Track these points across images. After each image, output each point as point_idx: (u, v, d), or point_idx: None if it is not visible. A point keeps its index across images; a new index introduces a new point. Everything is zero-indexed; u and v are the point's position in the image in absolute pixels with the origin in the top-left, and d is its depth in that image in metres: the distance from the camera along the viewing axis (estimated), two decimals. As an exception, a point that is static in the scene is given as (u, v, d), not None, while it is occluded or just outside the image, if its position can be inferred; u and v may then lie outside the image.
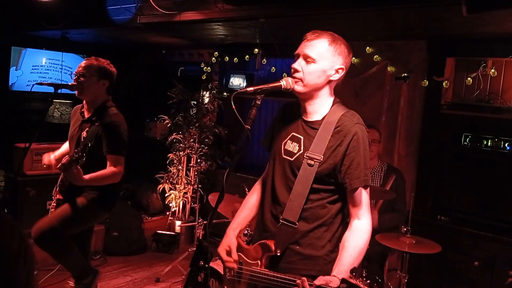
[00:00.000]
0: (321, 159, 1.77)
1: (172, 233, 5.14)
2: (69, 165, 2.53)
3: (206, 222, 4.08)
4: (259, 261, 1.89)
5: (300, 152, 1.83)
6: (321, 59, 1.78)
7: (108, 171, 2.73)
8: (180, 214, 5.34)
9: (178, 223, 5.26)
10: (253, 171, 5.23)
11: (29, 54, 5.80)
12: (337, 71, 1.81)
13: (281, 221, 1.83)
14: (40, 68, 5.94)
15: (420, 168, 4.01)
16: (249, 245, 1.98)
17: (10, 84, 5.70)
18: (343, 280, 1.48)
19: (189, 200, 5.27)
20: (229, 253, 1.95)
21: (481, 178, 3.77)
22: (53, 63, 6.04)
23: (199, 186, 4.91)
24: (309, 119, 1.87)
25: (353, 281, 1.45)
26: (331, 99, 1.88)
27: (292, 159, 1.85)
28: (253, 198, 2.10)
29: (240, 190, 3.91)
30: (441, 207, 3.91)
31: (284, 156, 1.88)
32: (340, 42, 1.82)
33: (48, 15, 4.47)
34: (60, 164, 2.60)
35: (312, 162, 1.77)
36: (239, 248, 1.98)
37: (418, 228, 3.62)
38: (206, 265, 1.72)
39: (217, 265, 3.13)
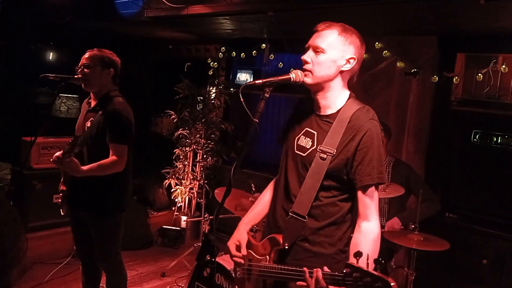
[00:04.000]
0: (334, 153, 1.72)
1: (178, 228, 5.14)
2: (63, 158, 2.53)
3: (212, 217, 4.08)
4: (267, 256, 1.87)
5: (313, 147, 1.79)
6: (331, 49, 1.74)
7: (108, 160, 2.69)
8: (186, 210, 5.34)
9: (183, 218, 5.26)
10: (260, 167, 5.22)
11: (36, 49, 5.80)
12: (348, 61, 1.77)
13: (290, 214, 1.80)
14: (46, 63, 5.94)
15: (429, 165, 3.97)
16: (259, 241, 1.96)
17: (16, 78, 5.70)
18: (347, 264, 1.45)
19: (195, 195, 5.26)
20: (238, 248, 1.93)
21: (490, 175, 3.72)
22: (60, 57, 6.04)
23: (205, 181, 4.90)
24: (323, 113, 1.82)
25: (357, 264, 1.42)
26: (346, 93, 1.83)
27: (304, 155, 1.81)
28: (267, 194, 2.07)
29: (246, 186, 3.89)
30: (450, 204, 3.87)
31: (297, 152, 1.84)
32: (351, 32, 1.78)
33: (55, 9, 4.47)
34: (54, 157, 2.59)
35: (325, 156, 1.73)
36: (249, 245, 1.95)
37: (426, 225, 3.58)
38: (213, 260, 1.69)
39: (223, 260, 3.12)
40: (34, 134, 2.74)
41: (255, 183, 3.81)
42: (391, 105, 4.08)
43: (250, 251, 1.94)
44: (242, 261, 1.92)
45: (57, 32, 5.65)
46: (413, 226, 3.09)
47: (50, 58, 5.96)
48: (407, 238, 3.01)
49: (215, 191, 3.65)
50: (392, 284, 1.32)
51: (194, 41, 5.72)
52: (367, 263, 1.41)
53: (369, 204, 1.73)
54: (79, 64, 2.82)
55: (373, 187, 1.72)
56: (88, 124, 2.83)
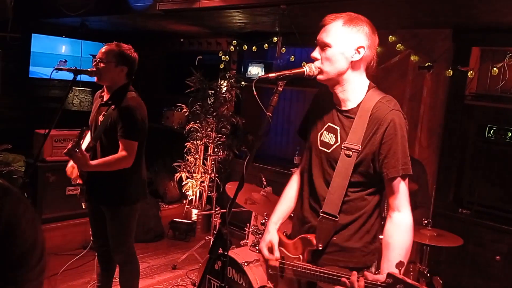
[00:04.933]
0: (359, 149, 1.71)
1: (189, 221, 5.17)
2: (72, 150, 2.57)
3: (223, 210, 4.09)
4: (300, 256, 1.86)
5: (337, 143, 1.77)
6: (337, 42, 1.71)
7: (117, 156, 2.72)
8: (196, 203, 5.36)
9: (194, 211, 5.28)
10: (271, 161, 5.21)
11: (49, 41, 5.84)
12: (357, 51, 1.72)
13: (321, 214, 1.78)
14: (59, 56, 5.97)
15: (442, 160, 3.93)
16: (290, 239, 1.95)
17: (30, 71, 5.75)
18: (389, 275, 1.41)
19: (206, 189, 5.28)
20: (270, 250, 1.93)
21: (504, 171, 3.67)
22: (73, 51, 6.07)
23: (216, 175, 4.91)
24: (344, 108, 1.79)
25: (399, 276, 1.38)
26: (365, 83, 1.79)
27: (329, 151, 1.79)
28: (291, 190, 2.05)
29: (257, 180, 3.89)
30: (463, 200, 3.83)
31: (321, 148, 1.83)
32: (358, 20, 1.73)
33: (68, 2, 4.48)
34: (66, 150, 2.62)
35: (350, 153, 1.71)
36: (280, 243, 1.94)
37: (439, 221, 3.55)
38: (225, 253, 1.69)
39: (234, 254, 3.13)
40: (47, 127, 2.76)
41: (266, 177, 3.81)
42: (404, 99, 4.03)
43: (282, 248, 1.94)
44: (277, 264, 1.92)
45: (70, 25, 5.69)
46: (426, 221, 3.07)
47: (63, 51, 5.99)
48: (420, 234, 2.99)
49: (227, 185, 3.66)
50: None
51: (205, 34, 5.71)
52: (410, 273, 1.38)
53: (399, 196, 1.72)
54: (96, 56, 2.84)
55: (399, 178, 1.70)
56: (101, 118, 2.85)
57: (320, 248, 1.78)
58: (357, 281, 1.54)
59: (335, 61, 1.72)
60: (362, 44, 1.72)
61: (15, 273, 0.74)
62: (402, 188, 1.71)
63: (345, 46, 1.71)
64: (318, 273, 1.73)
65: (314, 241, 1.79)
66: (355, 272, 1.59)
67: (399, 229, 1.70)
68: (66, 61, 5.72)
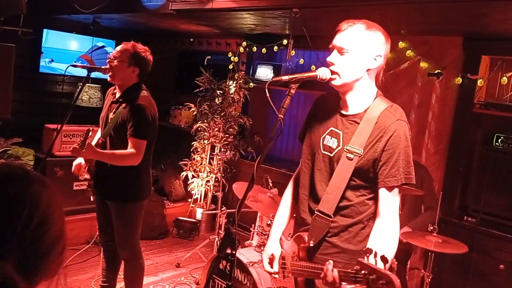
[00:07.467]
0: (361, 154, 1.72)
1: (193, 220, 5.19)
2: (80, 149, 2.62)
3: (229, 210, 4.10)
4: (296, 253, 1.90)
5: (339, 147, 1.78)
6: (356, 48, 1.71)
7: (126, 152, 2.75)
8: (201, 202, 5.38)
9: (199, 210, 5.31)
10: (277, 163, 5.23)
11: (60, 37, 5.89)
12: (375, 59, 1.74)
13: (316, 212, 1.81)
14: (70, 52, 6.02)
15: (449, 167, 3.94)
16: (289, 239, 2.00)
17: (40, 66, 5.80)
18: (357, 262, 1.47)
19: (211, 188, 5.30)
20: (271, 261, 1.97)
21: (511, 180, 3.67)
22: (83, 47, 6.11)
23: (222, 175, 4.93)
24: (349, 113, 1.80)
25: (366, 262, 1.43)
26: (373, 90, 1.81)
27: (331, 155, 1.81)
28: (290, 195, 2.07)
29: (263, 181, 3.91)
30: (468, 207, 3.83)
31: (324, 152, 1.84)
32: (376, 28, 1.75)
33: (81, -1, 4.52)
34: (72, 148, 2.67)
35: (352, 156, 1.72)
36: (282, 244, 1.99)
37: (444, 227, 3.56)
38: (233, 252, 1.71)
39: (239, 253, 3.14)
40: (56, 122, 2.80)
41: (271, 179, 3.83)
42: (413, 106, 4.05)
43: (283, 250, 1.97)
44: (276, 275, 1.96)
45: (82, 22, 5.73)
46: (431, 227, 3.08)
47: (74, 47, 6.03)
48: (425, 240, 3.00)
49: (233, 185, 3.68)
50: (396, 281, 1.34)
51: (215, 34, 5.74)
52: (375, 260, 1.44)
53: (391, 205, 1.73)
54: (111, 54, 2.87)
55: (397, 189, 1.72)
56: (111, 116, 2.88)
57: (312, 245, 1.81)
58: (331, 271, 1.59)
59: (353, 67, 1.73)
60: (379, 53, 1.74)
61: (42, 261, 0.76)
62: (396, 198, 1.73)
63: (364, 53, 1.72)
64: (306, 268, 1.78)
65: (306, 238, 1.82)
66: (328, 264, 1.63)
67: (383, 235, 1.71)
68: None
